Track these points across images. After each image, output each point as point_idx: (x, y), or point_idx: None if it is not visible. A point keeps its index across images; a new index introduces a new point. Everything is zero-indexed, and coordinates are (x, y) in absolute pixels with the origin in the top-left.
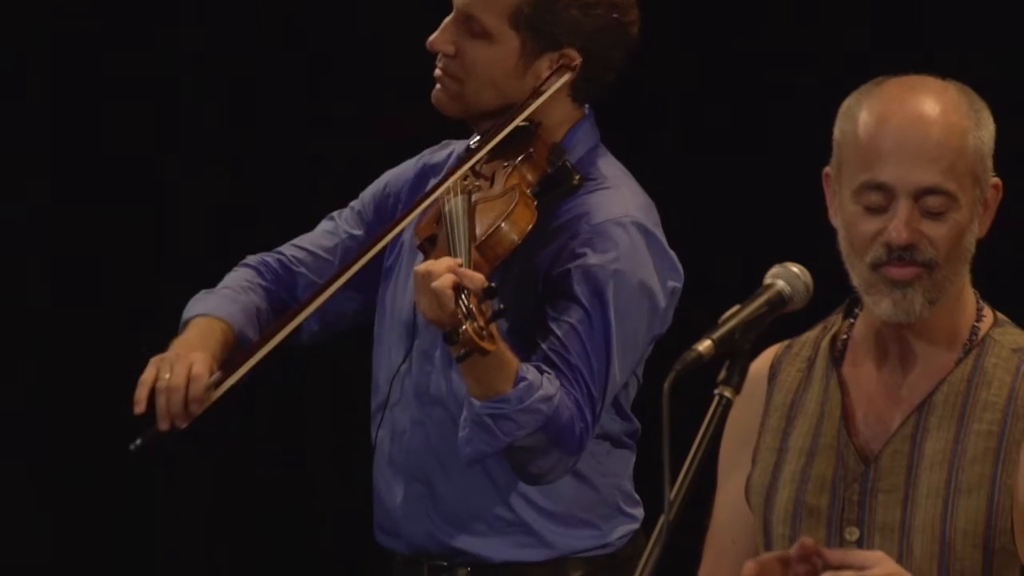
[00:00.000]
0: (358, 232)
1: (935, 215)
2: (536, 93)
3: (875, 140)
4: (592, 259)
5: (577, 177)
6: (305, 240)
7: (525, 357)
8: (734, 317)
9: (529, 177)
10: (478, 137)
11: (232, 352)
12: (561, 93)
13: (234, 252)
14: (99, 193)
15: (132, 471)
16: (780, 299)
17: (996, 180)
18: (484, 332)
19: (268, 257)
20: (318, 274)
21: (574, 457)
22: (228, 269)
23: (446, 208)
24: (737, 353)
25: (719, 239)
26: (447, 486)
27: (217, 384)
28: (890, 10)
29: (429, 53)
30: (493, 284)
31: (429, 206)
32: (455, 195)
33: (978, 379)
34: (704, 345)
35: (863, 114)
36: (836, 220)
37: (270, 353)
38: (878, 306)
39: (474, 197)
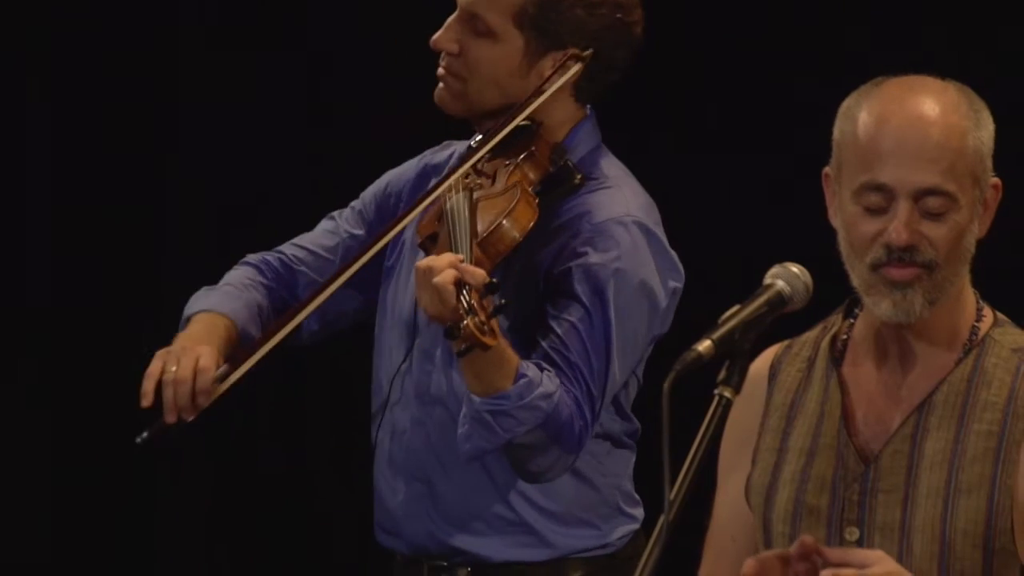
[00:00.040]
0: (359, 232)
1: (935, 216)
2: (539, 91)
3: (875, 141)
4: (593, 258)
5: (579, 176)
6: (305, 239)
7: (526, 355)
8: (734, 317)
9: (531, 175)
10: (479, 136)
11: (235, 348)
12: (564, 93)
13: (234, 252)
14: (99, 193)
15: (132, 471)
16: (780, 299)
17: (996, 180)
18: (485, 327)
19: (269, 256)
20: (319, 273)
21: (573, 455)
22: (228, 269)
23: (448, 205)
24: (737, 353)
25: (719, 239)
26: (447, 485)
27: (224, 377)
28: (890, 10)
29: (429, 53)
30: (494, 279)
31: (430, 204)
32: (457, 193)
33: (978, 379)
34: (704, 345)
35: (863, 115)
36: (836, 220)
37: (273, 349)
38: (878, 307)
39: (476, 195)
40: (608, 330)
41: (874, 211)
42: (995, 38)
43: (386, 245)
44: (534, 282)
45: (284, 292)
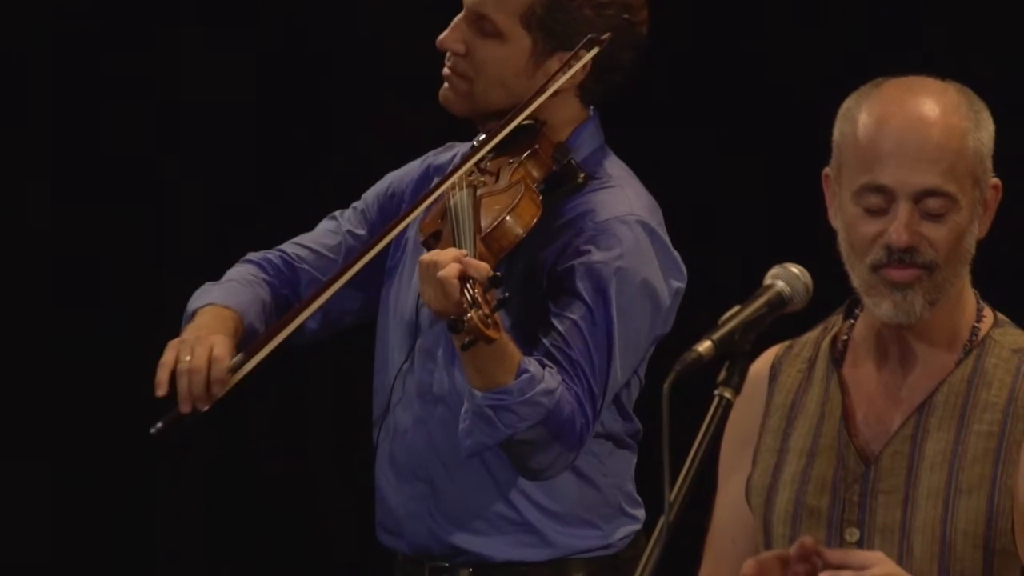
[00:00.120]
0: (361, 231)
1: (935, 217)
2: (552, 81)
3: (875, 142)
4: (596, 256)
5: (582, 175)
6: (307, 239)
7: (528, 353)
8: (734, 318)
9: (534, 173)
10: (483, 136)
11: (242, 341)
12: (569, 93)
13: (234, 252)
14: (99, 193)
15: (132, 471)
16: (780, 300)
17: (996, 181)
18: (489, 320)
19: (270, 254)
20: (321, 271)
21: (574, 453)
22: (228, 268)
23: (451, 202)
24: (737, 354)
25: (719, 240)
26: (449, 485)
27: (238, 367)
28: (890, 10)
29: (430, 52)
30: (498, 273)
31: (434, 202)
32: (460, 190)
33: (978, 380)
34: (704, 346)
35: (862, 116)
36: (836, 221)
37: (285, 341)
38: (878, 307)
39: (479, 191)
40: (610, 328)
41: (874, 212)
42: (995, 38)
43: (389, 244)
44: (537, 280)
45: (287, 290)
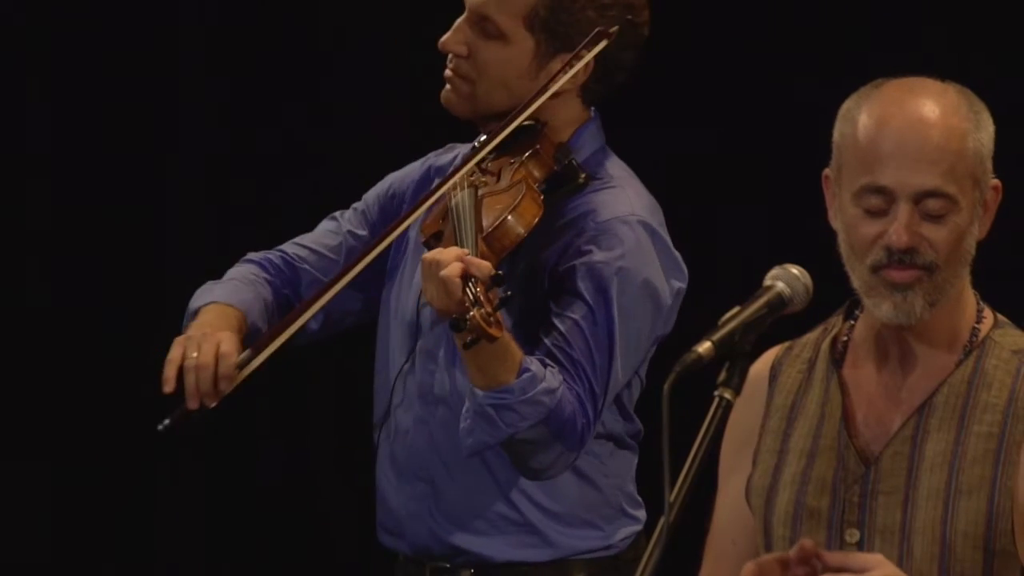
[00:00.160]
0: (362, 232)
1: (935, 218)
2: (546, 89)
3: (875, 143)
4: (597, 256)
5: (583, 176)
6: (307, 239)
7: (529, 352)
8: (734, 319)
9: (536, 173)
10: (483, 137)
11: (247, 339)
12: (571, 94)
13: (234, 252)
14: (99, 193)
15: (132, 471)
16: (780, 301)
17: (996, 182)
18: (491, 318)
19: (271, 254)
20: (322, 271)
21: (575, 453)
22: (228, 268)
23: (453, 202)
24: (737, 355)
25: (719, 241)
26: (450, 485)
27: (246, 363)
28: (890, 11)
29: (431, 53)
30: (500, 271)
31: (435, 203)
32: (462, 190)
33: (978, 381)
34: (704, 347)
35: (863, 117)
36: (836, 222)
37: (291, 338)
38: (878, 308)
39: (480, 191)
40: (611, 328)
41: (874, 213)
42: (995, 39)
43: (391, 244)
44: (538, 280)
45: (288, 290)
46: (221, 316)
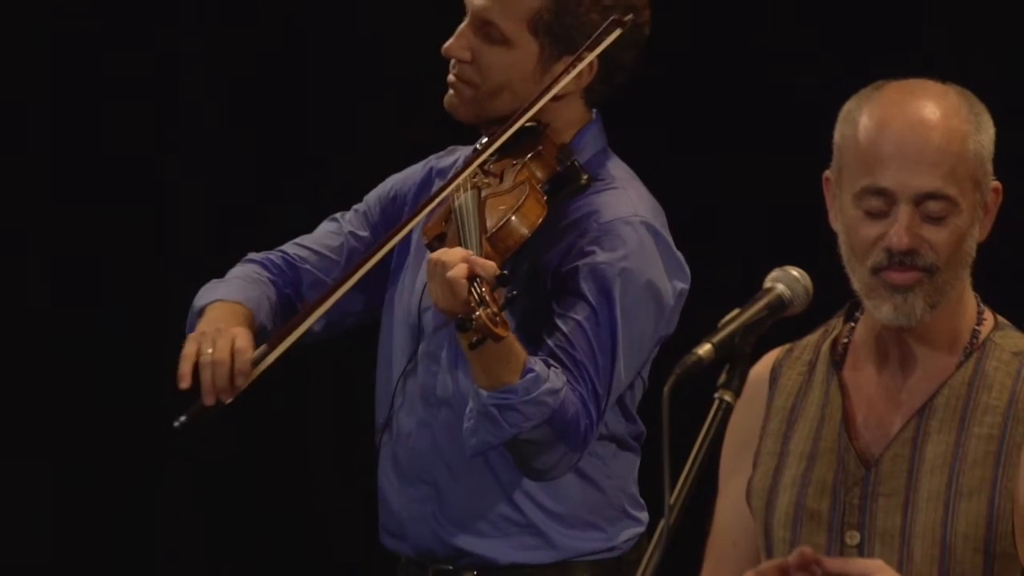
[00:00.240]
0: (363, 233)
1: (936, 220)
2: (551, 88)
3: (875, 145)
4: (600, 257)
5: (585, 177)
6: (308, 239)
7: (532, 353)
8: (734, 321)
9: (538, 174)
10: (485, 139)
11: (255, 337)
12: (574, 96)
13: (234, 252)
14: (99, 193)
15: (132, 471)
16: (780, 303)
17: (996, 184)
18: (497, 318)
19: (272, 254)
20: (324, 272)
21: (578, 453)
22: (229, 268)
23: (456, 203)
24: (737, 357)
25: (719, 242)
26: (454, 488)
27: (261, 358)
28: (890, 12)
29: (431, 53)
30: (505, 271)
31: (438, 205)
32: (465, 191)
33: (979, 383)
34: (704, 349)
35: (863, 118)
36: (836, 224)
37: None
38: (879, 310)
39: (484, 192)
40: (614, 329)
41: (875, 215)
42: (995, 41)
43: (397, 244)
44: (541, 281)
45: (289, 290)
46: (230, 313)
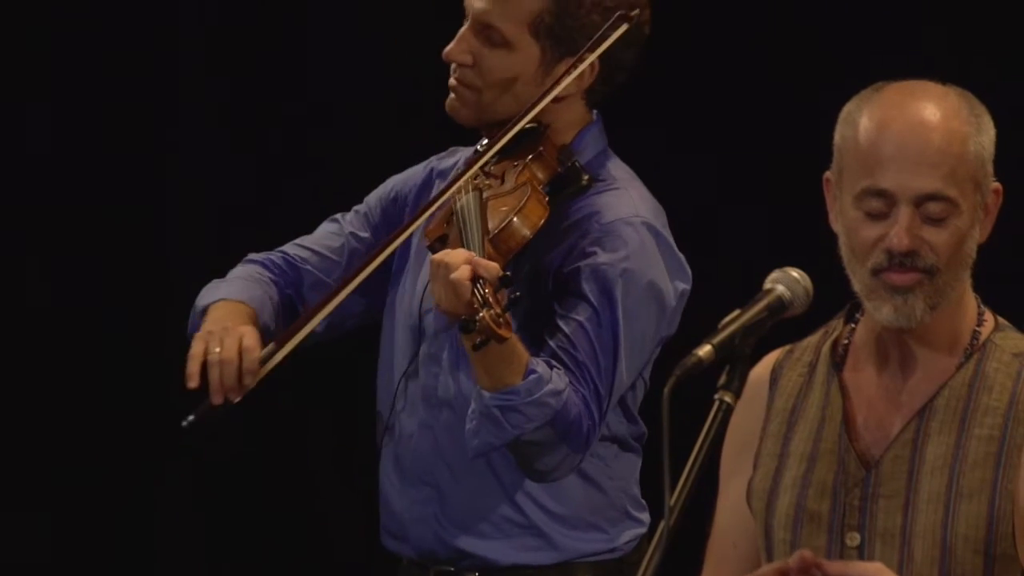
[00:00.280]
0: (364, 234)
1: (936, 221)
2: (552, 89)
3: (876, 146)
4: (602, 258)
5: (586, 177)
6: (308, 240)
7: (534, 354)
8: (734, 322)
9: (539, 175)
10: (485, 140)
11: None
12: (575, 97)
13: (234, 252)
14: (99, 193)
15: (132, 471)
16: (780, 304)
17: (997, 185)
18: (501, 319)
19: (272, 255)
20: (325, 273)
21: (580, 455)
22: (227, 269)
23: (458, 205)
24: (737, 358)
25: (720, 243)
26: (455, 489)
27: (268, 357)
28: (891, 13)
29: (432, 53)
30: (508, 273)
31: (440, 207)
32: (466, 193)
33: (979, 384)
34: (704, 350)
35: (864, 120)
36: (837, 225)
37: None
38: (879, 312)
39: (485, 194)
40: (616, 330)
41: (875, 216)
42: (996, 42)
43: (399, 245)
44: (543, 282)
45: (291, 290)
46: (235, 312)
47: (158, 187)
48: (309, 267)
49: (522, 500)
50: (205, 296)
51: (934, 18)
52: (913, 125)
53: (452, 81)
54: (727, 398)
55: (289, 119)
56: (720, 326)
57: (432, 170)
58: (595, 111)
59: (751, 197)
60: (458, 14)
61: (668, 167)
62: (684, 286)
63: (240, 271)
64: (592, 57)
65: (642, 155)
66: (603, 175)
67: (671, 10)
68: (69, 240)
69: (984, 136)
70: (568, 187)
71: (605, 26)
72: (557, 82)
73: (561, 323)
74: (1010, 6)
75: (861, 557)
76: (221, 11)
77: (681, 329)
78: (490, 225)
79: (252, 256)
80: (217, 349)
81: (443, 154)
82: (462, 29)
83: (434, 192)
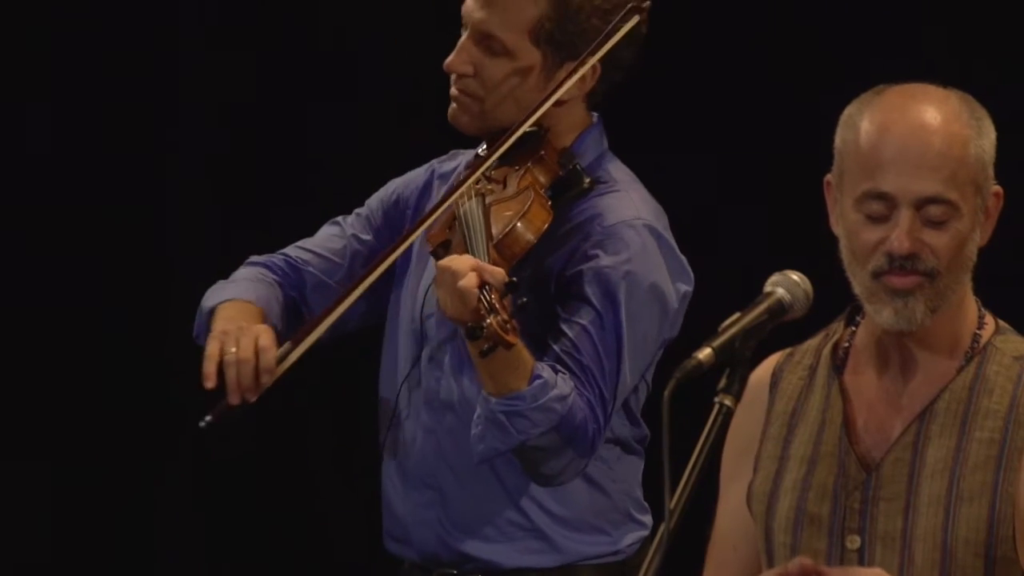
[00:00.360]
0: (367, 237)
1: (937, 224)
2: (555, 92)
3: (876, 149)
4: (604, 260)
5: (588, 180)
6: (309, 243)
7: (538, 358)
8: (734, 325)
9: (541, 179)
10: (485, 144)
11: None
12: (576, 100)
13: (234, 252)
14: (99, 193)
15: (132, 471)
16: (780, 307)
17: (997, 188)
18: (508, 326)
19: (274, 257)
20: (327, 275)
21: (586, 459)
22: (228, 269)
23: (461, 211)
24: (737, 361)
25: (720, 246)
26: (459, 493)
27: (285, 355)
28: (891, 15)
29: (432, 54)
30: (514, 279)
31: (444, 212)
32: (469, 198)
33: (980, 387)
34: (704, 353)
35: (864, 123)
36: (837, 228)
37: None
38: (879, 314)
39: (488, 199)
40: (619, 333)
41: (876, 219)
42: (997, 45)
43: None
44: (545, 285)
45: (294, 292)
46: (245, 312)
47: (158, 187)
48: (311, 269)
49: (525, 503)
50: (211, 297)
51: (934, 20)
52: (914, 128)
53: (454, 91)
54: (727, 401)
55: (289, 119)
56: (720, 329)
57: (433, 172)
58: (595, 113)
59: (751, 199)
60: (458, 14)
61: (668, 168)
62: (686, 288)
63: (244, 273)
64: (597, 56)
65: (642, 156)
66: (604, 177)
67: (671, 10)
68: (69, 240)
69: (985, 139)
70: (570, 190)
71: (616, 19)
72: (559, 86)
73: (565, 327)
74: (1011, 8)
75: (861, 560)
76: (221, 11)
77: (681, 331)
78: (494, 231)
79: (254, 258)
80: (233, 349)
81: (444, 157)
82: (462, 39)
83: (435, 195)
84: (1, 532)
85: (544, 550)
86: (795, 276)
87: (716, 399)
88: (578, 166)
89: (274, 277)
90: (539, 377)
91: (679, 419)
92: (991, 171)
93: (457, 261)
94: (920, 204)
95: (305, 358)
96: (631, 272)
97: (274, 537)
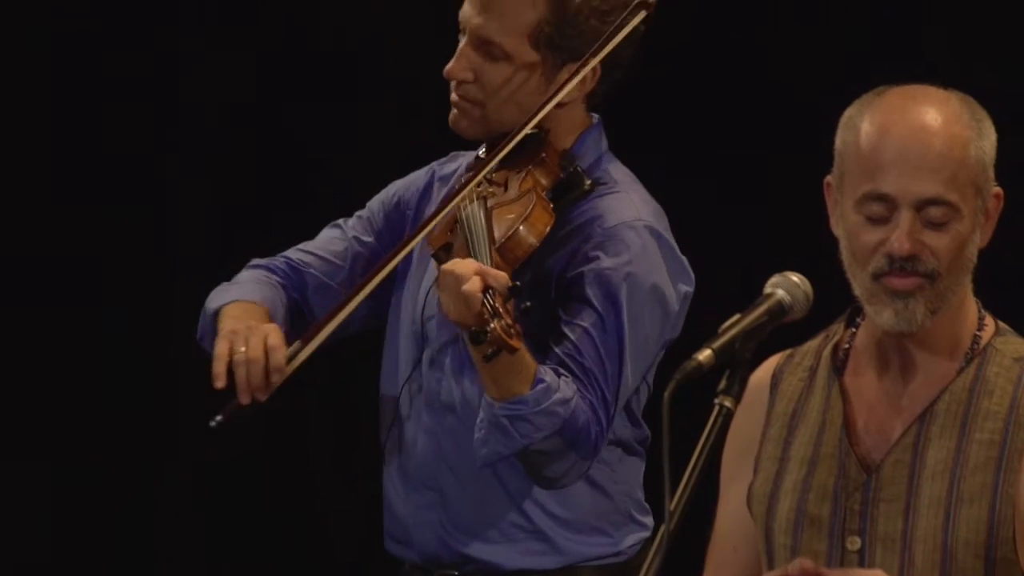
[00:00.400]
0: (368, 239)
1: (937, 225)
2: (557, 93)
3: (877, 151)
4: (605, 262)
5: (588, 182)
6: (310, 245)
7: (539, 361)
8: (734, 326)
9: (543, 181)
10: (485, 147)
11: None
12: (577, 101)
13: (234, 252)
14: (99, 193)
15: (132, 471)
16: (780, 308)
17: (998, 190)
18: (512, 330)
19: (275, 260)
20: (329, 276)
21: (589, 461)
22: (228, 269)
23: (463, 215)
24: (737, 362)
25: (720, 247)
26: (460, 494)
27: (294, 355)
28: (891, 16)
29: (432, 54)
30: (518, 283)
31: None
32: (471, 202)
33: (980, 388)
34: (704, 355)
35: (865, 124)
36: (838, 230)
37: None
38: (880, 316)
39: (490, 202)
40: (621, 335)
41: (876, 220)
42: (997, 47)
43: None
44: (546, 287)
45: (296, 294)
46: (252, 312)
47: (158, 187)
48: (313, 271)
49: (527, 505)
50: (215, 298)
51: (935, 20)
52: (914, 130)
53: (454, 97)
54: (727, 403)
55: (289, 119)
56: (720, 330)
57: (433, 174)
58: (595, 115)
59: (751, 199)
60: (458, 14)
61: (668, 168)
62: (687, 288)
63: (247, 275)
64: (601, 55)
65: (642, 156)
66: (604, 178)
67: (671, 10)
68: (69, 240)
69: (985, 141)
70: (570, 192)
71: (618, 19)
72: (560, 88)
73: (566, 329)
74: (1011, 9)
75: (862, 561)
76: (221, 11)
77: (681, 332)
78: (496, 234)
79: (256, 261)
80: (243, 348)
81: (444, 159)
82: (460, 45)
83: (435, 197)
84: (1, 532)
85: (545, 551)
86: (795, 277)
87: (716, 400)
88: (579, 168)
89: (277, 279)
90: (542, 381)
91: (679, 420)
92: (991, 172)
93: (460, 265)
94: (920, 206)
95: (308, 358)
96: (632, 273)
97: (274, 538)
